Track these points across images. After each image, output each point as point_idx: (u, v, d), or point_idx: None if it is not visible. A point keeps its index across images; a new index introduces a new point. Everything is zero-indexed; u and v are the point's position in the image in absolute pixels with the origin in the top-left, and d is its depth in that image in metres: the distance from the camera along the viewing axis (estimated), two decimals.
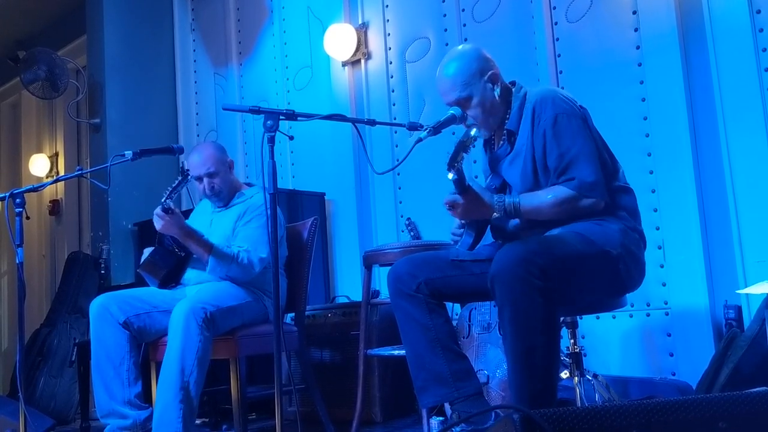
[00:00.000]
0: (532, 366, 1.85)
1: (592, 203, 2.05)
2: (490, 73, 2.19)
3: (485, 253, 2.18)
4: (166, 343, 2.70)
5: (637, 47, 3.18)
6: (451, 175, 1.84)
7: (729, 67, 2.93)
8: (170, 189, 2.89)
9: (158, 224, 2.88)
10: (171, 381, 2.61)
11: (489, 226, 2.25)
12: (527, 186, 2.13)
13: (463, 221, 2.18)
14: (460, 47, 2.29)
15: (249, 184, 3.27)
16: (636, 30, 3.19)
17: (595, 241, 2.00)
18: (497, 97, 2.18)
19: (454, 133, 3.53)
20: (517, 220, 2.19)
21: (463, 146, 1.85)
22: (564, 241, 1.98)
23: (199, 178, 3.06)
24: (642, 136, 3.15)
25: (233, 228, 3.03)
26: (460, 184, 1.95)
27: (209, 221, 3.14)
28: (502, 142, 2.24)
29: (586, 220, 2.06)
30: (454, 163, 1.83)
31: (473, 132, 1.91)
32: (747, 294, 2.80)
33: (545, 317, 1.85)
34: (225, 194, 3.11)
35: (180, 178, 2.93)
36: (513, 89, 2.24)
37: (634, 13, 3.20)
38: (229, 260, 2.88)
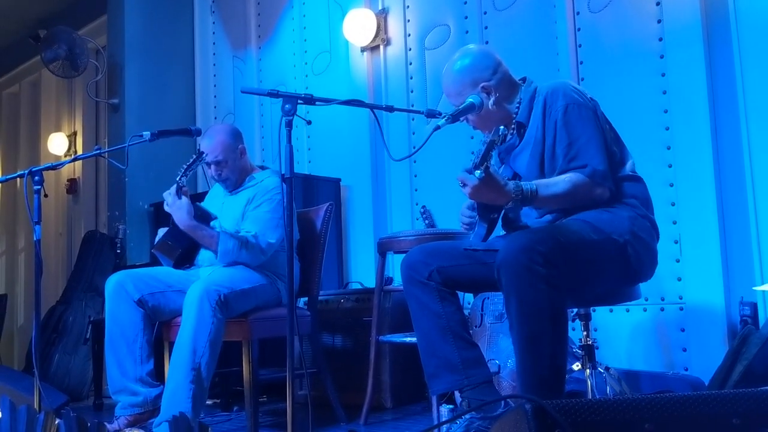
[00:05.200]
0: (538, 354, 1.86)
1: (602, 192, 2.07)
2: (482, 84, 2.20)
3: (498, 243, 2.17)
4: (180, 323, 2.72)
5: (660, 39, 3.15)
6: (477, 173, 1.82)
7: (753, 62, 2.89)
8: (185, 167, 2.93)
9: (168, 208, 2.92)
10: (183, 361, 2.63)
11: (501, 218, 2.25)
12: (532, 176, 2.13)
13: (474, 208, 2.20)
14: (456, 56, 2.29)
15: (262, 167, 3.28)
16: (659, 21, 3.15)
17: (602, 229, 2.00)
18: (491, 106, 2.20)
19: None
20: (528, 212, 2.19)
21: (493, 145, 1.85)
22: (570, 230, 1.98)
23: (208, 164, 3.11)
24: (662, 129, 3.12)
25: (243, 212, 3.04)
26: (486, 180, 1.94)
27: (221, 204, 3.17)
28: (511, 134, 2.25)
29: (595, 208, 2.06)
30: (484, 162, 1.82)
31: (502, 129, 1.91)
32: (763, 291, 2.78)
33: (551, 305, 1.85)
34: (233, 181, 3.13)
35: (194, 156, 2.97)
36: (523, 85, 2.25)
37: (658, 4, 3.16)
38: (236, 248, 2.88)
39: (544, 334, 1.85)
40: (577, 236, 1.96)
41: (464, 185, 1.92)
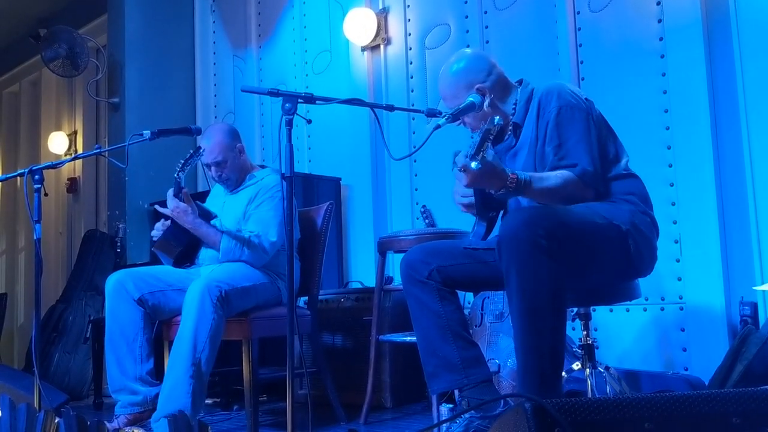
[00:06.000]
0: (539, 327, 1.85)
1: (590, 193, 2.08)
2: (477, 86, 2.22)
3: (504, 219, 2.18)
4: (180, 323, 2.72)
5: (660, 39, 3.15)
6: (474, 164, 1.83)
7: (754, 61, 2.89)
8: (182, 162, 2.93)
9: (169, 208, 2.92)
10: (183, 356, 2.63)
11: (501, 216, 2.25)
12: None
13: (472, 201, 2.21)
14: (451, 60, 2.31)
15: (262, 166, 3.28)
16: (659, 21, 3.15)
17: (604, 215, 2.01)
18: (486, 108, 2.21)
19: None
20: (527, 206, 2.20)
21: (488, 134, 1.85)
22: (572, 210, 1.99)
23: (208, 165, 3.10)
24: (662, 128, 3.12)
25: (244, 211, 3.05)
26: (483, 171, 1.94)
27: (222, 203, 3.17)
28: (508, 135, 2.26)
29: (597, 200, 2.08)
30: (479, 152, 1.82)
31: (497, 119, 1.91)
32: (763, 291, 2.78)
33: (551, 277, 1.84)
34: (233, 180, 3.14)
35: (191, 151, 2.97)
36: (519, 87, 2.27)
37: (658, 4, 3.16)
38: (240, 247, 2.90)
39: (545, 307, 1.84)
40: (581, 216, 1.97)
41: (464, 171, 1.91)
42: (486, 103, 2.21)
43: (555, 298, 1.86)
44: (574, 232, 1.91)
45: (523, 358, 1.89)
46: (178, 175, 2.90)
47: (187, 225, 2.93)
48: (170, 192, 2.93)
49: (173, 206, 2.91)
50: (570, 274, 1.92)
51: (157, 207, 3.00)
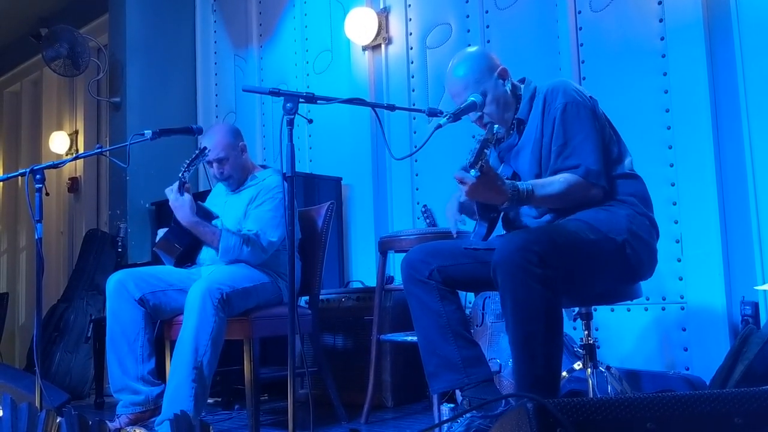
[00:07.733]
0: (533, 353, 1.87)
1: (597, 192, 2.08)
2: (499, 69, 2.23)
3: (498, 243, 2.18)
4: (181, 322, 2.72)
5: (662, 38, 3.15)
6: (473, 172, 1.83)
7: (755, 61, 2.89)
8: (187, 162, 2.92)
9: (170, 200, 2.92)
10: (185, 360, 2.63)
11: (501, 218, 2.25)
12: (533, 175, 2.14)
13: (463, 211, 2.21)
14: (465, 50, 2.34)
15: (264, 167, 3.28)
16: (661, 20, 3.15)
17: (599, 228, 2.01)
18: (509, 92, 2.22)
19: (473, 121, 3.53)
20: (528, 212, 2.20)
21: (487, 143, 1.85)
22: (567, 230, 1.99)
23: (210, 163, 3.10)
24: (663, 128, 3.12)
25: (245, 211, 3.04)
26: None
27: (223, 203, 3.17)
28: (511, 133, 2.26)
29: (594, 207, 2.07)
30: (479, 160, 1.83)
31: (496, 128, 1.91)
32: (765, 291, 2.77)
33: (545, 305, 1.86)
34: (235, 179, 3.13)
35: (197, 152, 2.96)
36: (522, 85, 2.27)
37: (660, 3, 3.15)
38: (238, 246, 2.89)
39: (539, 334, 1.86)
40: (574, 236, 1.96)
41: (462, 183, 1.92)
42: (509, 87, 2.22)
43: (550, 325, 1.87)
44: (568, 255, 1.92)
45: (518, 382, 1.91)
46: (183, 175, 2.89)
47: (184, 220, 2.91)
48: (175, 185, 2.92)
49: (173, 198, 2.90)
50: (567, 290, 1.93)
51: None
